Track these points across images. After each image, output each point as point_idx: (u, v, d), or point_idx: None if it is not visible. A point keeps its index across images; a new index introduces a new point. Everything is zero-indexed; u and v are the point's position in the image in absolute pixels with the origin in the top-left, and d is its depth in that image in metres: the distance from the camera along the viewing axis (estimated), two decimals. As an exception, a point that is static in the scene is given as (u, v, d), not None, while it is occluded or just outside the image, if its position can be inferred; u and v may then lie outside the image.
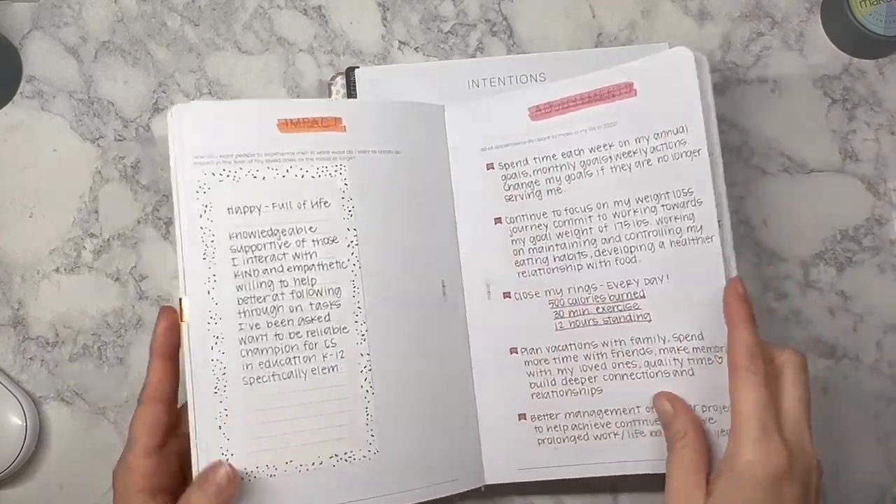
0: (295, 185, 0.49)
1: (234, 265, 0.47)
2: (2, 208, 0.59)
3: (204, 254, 0.47)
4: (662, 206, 0.48)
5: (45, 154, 0.59)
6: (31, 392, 0.57)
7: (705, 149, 0.48)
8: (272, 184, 0.49)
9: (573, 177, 0.51)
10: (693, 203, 0.48)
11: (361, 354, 0.49)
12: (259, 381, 0.47)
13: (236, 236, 0.48)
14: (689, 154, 0.48)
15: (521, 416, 0.51)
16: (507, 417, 0.52)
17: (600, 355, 0.50)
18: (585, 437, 0.50)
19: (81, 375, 0.57)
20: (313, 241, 0.49)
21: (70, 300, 0.58)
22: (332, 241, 0.49)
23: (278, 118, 0.50)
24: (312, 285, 0.48)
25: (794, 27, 0.60)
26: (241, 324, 0.47)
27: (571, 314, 0.51)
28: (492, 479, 0.52)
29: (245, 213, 0.48)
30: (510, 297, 0.52)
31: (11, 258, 0.58)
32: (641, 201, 0.49)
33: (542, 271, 0.51)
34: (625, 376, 0.49)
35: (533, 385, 0.51)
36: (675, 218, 0.48)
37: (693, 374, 0.48)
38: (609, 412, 0.50)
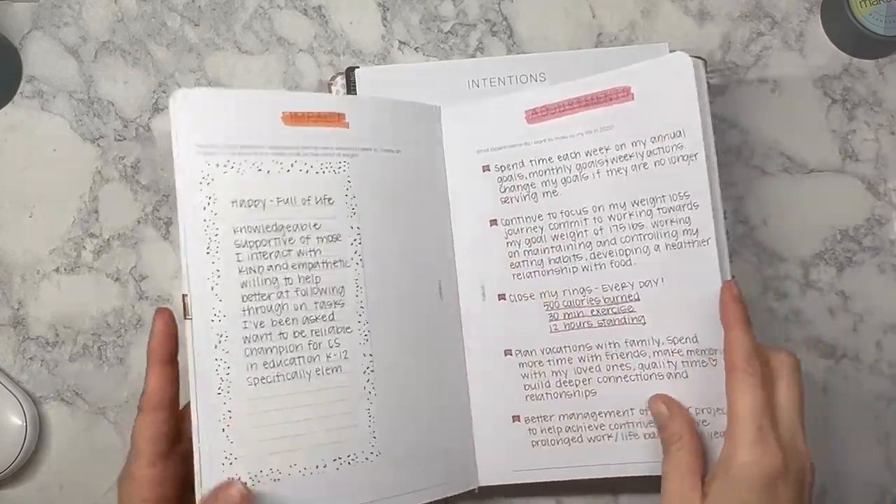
0: (299, 180, 0.48)
1: (238, 261, 0.45)
2: (2, 208, 0.59)
3: (208, 248, 0.45)
4: (658, 209, 0.48)
5: (45, 154, 0.59)
6: (31, 392, 0.57)
7: (702, 153, 0.47)
8: (277, 178, 0.47)
9: (569, 180, 0.50)
10: (689, 206, 0.48)
11: (364, 355, 0.48)
12: (263, 381, 0.45)
13: (241, 230, 0.46)
14: (685, 158, 0.48)
15: (515, 418, 0.51)
16: (501, 419, 0.52)
17: (594, 357, 0.50)
18: (579, 440, 0.50)
19: (81, 375, 0.57)
20: (318, 238, 0.48)
21: (70, 300, 0.58)
22: (336, 238, 0.48)
23: (283, 110, 0.48)
24: (317, 283, 0.47)
25: (794, 27, 0.60)
26: (245, 322, 0.45)
27: (566, 316, 0.50)
28: (485, 480, 0.52)
29: (250, 206, 0.46)
30: (505, 299, 0.52)
31: (11, 258, 0.58)
32: (637, 204, 0.49)
33: (537, 273, 0.51)
34: (619, 378, 0.49)
35: (527, 387, 0.51)
36: (671, 221, 0.48)
37: (687, 376, 0.48)
38: (603, 414, 0.50)
